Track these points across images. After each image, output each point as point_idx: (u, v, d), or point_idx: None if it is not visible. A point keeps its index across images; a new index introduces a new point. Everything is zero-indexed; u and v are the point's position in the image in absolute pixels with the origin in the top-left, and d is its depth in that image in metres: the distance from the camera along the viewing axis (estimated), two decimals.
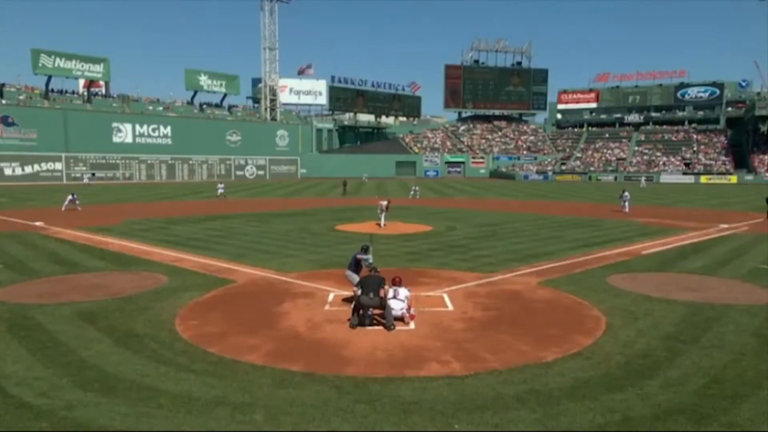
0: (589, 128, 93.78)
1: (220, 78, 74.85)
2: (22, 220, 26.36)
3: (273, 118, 78.88)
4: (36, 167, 57.27)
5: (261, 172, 74.75)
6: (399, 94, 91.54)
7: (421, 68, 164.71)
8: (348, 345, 8.91)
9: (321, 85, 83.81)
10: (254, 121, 77.77)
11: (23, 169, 56.44)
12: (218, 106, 77.25)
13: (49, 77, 62.25)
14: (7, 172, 55.57)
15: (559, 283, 13.29)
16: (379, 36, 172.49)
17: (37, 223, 24.85)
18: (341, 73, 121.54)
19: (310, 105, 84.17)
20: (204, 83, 73.64)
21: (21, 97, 60.22)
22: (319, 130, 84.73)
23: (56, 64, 61.51)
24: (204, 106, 75.84)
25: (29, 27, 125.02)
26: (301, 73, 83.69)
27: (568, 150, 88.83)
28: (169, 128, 67.57)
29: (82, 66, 63.56)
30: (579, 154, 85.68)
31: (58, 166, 58.82)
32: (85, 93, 66.48)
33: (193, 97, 74.88)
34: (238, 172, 72.76)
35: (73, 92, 67.24)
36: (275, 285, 13.18)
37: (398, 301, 9.99)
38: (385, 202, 24.19)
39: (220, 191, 43.46)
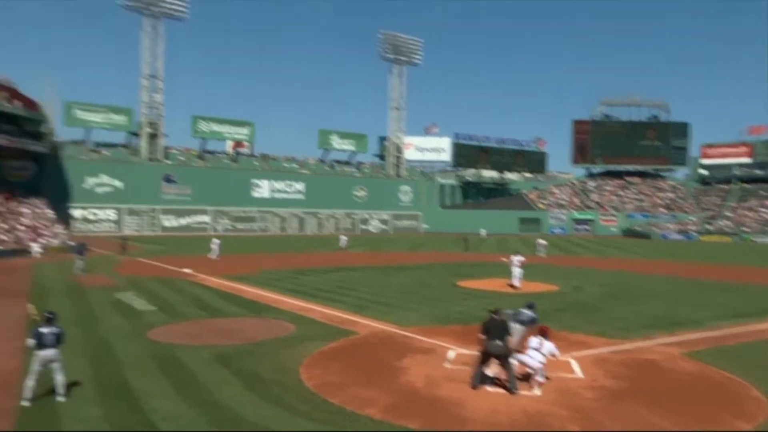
0: (741, 185, 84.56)
1: (350, 137, 78.33)
2: (174, 266, 28.79)
3: (398, 175, 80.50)
4: (188, 219, 63.29)
5: (384, 227, 75.86)
6: (523, 150, 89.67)
7: (547, 123, 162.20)
8: (467, 405, 8.60)
9: (445, 143, 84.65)
10: (380, 177, 79.79)
11: (178, 221, 62.80)
12: (347, 163, 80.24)
13: (205, 140, 69.39)
14: (166, 223, 62.05)
15: (706, 356, 11.83)
16: (504, 93, 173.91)
17: (186, 270, 27.05)
18: (465, 129, 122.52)
19: (433, 161, 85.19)
20: (335, 142, 77.28)
21: (181, 158, 67.39)
22: (442, 186, 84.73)
23: (210, 129, 68.70)
24: (334, 164, 79.17)
25: (192, 97, 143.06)
26: (427, 132, 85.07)
27: (715, 208, 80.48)
28: (301, 184, 71.44)
29: (231, 129, 70.19)
30: (729, 213, 77.12)
31: (206, 218, 64.40)
32: (233, 153, 72.79)
33: (324, 155, 78.50)
34: (363, 226, 74.40)
35: (223, 152, 73.52)
36: (395, 339, 13.17)
37: (540, 354, 9.39)
38: (519, 258, 22.37)
39: (342, 243, 44.62)
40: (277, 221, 68.73)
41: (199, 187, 63.66)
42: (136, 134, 63.75)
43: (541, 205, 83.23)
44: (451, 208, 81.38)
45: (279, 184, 70.06)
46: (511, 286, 22.14)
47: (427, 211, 78.78)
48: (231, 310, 16.94)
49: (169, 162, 64.51)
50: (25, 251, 35.82)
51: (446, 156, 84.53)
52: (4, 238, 37.31)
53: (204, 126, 67.59)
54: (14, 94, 49.27)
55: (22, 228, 40.97)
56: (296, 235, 66.91)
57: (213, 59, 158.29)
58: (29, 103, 50.53)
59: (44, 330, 8.69)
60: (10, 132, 46.82)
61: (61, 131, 59.75)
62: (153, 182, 61.55)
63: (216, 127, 68.52)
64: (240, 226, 65.63)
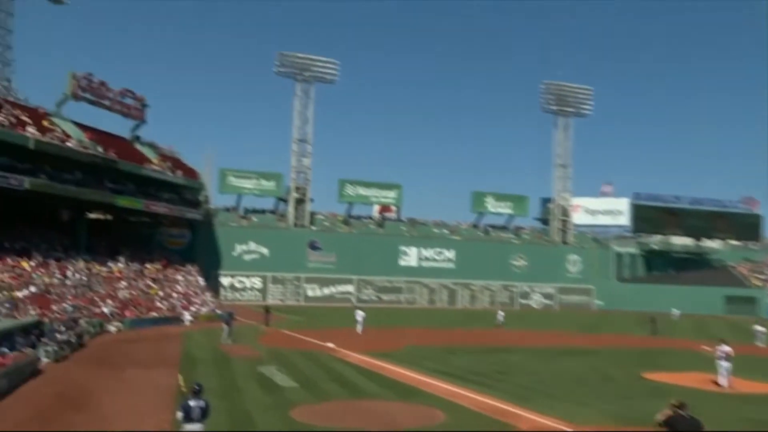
0: None
1: (507, 199, 77.92)
2: (317, 339, 30.15)
3: (564, 242, 78.16)
4: (332, 289, 66.41)
5: (548, 302, 73.47)
6: (727, 212, 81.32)
7: (759, 179, 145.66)
8: None
9: (622, 204, 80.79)
10: (542, 244, 78.03)
11: (322, 291, 66.12)
12: (504, 228, 79.51)
13: (351, 204, 73.14)
14: (309, 292, 65.58)
15: None
16: (695, 143, 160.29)
17: (329, 344, 28.16)
18: (646, 188, 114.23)
19: (608, 226, 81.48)
20: (490, 205, 77.19)
21: (326, 223, 71.52)
22: (620, 255, 79.99)
23: (357, 192, 72.60)
24: (489, 229, 78.95)
25: (338, 161, 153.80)
26: (600, 192, 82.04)
27: None
28: (452, 252, 71.86)
29: (378, 192, 73.55)
30: None
31: (350, 288, 67.02)
32: (379, 218, 75.74)
33: (477, 220, 78.55)
34: (522, 300, 72.67)
35: (369, 217, 76.62)
36: None
37: None
38: (726, 348, 20.17)
39: (499, 320, 44.14)
40: (425, 292, 69.44)
41: (344, 255, 66.79)
42: (284, 200, 69.16)
43: (755, 281, 74.13)
44: (632, 282, 76.81)
45: (428, 252, 71.16)
46: (716, 383, 20.06)
47: (601, 285, 75.08)
48: (374, 390, 17.35)
49: (314, 228, 68.71)
50: (177, 319, 39.16)
51: (624, 219, 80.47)
52: (161, 305, 40.67)
53: (350, 190, 71.54)
54: (177, 163, 55.44)
55: (176, 295, 44.36)
56: (446, 308, 66.91)
57: (359, 120, 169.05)
58: (189, 172, 56.45)
59: (192, 403, 9.54)
60: (171, 200, 52.21)
61: (215, 198, 66.88)
62: (298, 249, 65.71)
63: (362, 191, 72.30)
64: (385, 296, 67.37)
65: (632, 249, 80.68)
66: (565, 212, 78.68)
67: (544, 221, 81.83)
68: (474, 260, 70.93)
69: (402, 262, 70.14)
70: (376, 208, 76.80)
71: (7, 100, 41.52)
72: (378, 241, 69.90)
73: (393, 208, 75.61)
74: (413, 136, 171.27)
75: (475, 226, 78.31)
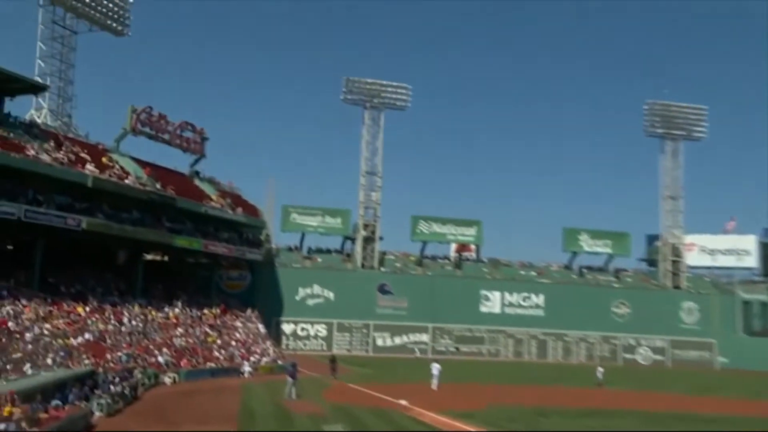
0: None
1: (605, 237, 76.01)
2: (388, 395, 30.18)
3: (676, 286, 75.15)
4: (404, 338, 65.87)
5: (659, 357, 70.56)
6: None
7: None
8: None
9: (748, 242, 77.00)
10: (649, 288, 75.42)
11: (393, 340, 65.77)
12: (602, 270, 77.63)
13: (424, 243, 72.96)
14: (379, 342, 65.21)
15: None
16: None
17: (402, 402, 28.05)
18: None
19: (731, 269, 77.89)
20: (585, 244, 75.52)
21: (398, 264, 71.60)
22: (747, 303, 75.36)
23: (431, 230, 72.30)
24: (584, 271, 77.22)
25: (410, 195, 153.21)
26: (723, 229, 79.00)
27: None
28: (541, 297, 70.34)
29: (455, 230, 73.12)
30: None
31: (424, 337, 66.19)
32: (456, 258, 75.33)
33: (571, 260, 76.97)
34: (627, 355, 70.07)
35: (445, 257, 76.35)
36: None
37: None
38: None
39: (599, 376, 43.23)
40: (511, 343, 68.28)
41: (418, 299, 66.46)
42: (351, 238, 70.06)
43: None
44: (763, 336, 72.19)
45: (513, 297, 70.10)
46: None
47: (725, 339, 71.24)
48: None
49: (384, 269, 69.06)
50: (236, 370, 39.85)
51: (751, 261, 76.83)
52: (218, 355, 41.46)
53: (424, 227, 71.48)
54: (237, 200, 56.68)
55: (235, 344, 45.01)
56: (534, 362, 65.74)
57: (434, 150, 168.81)
58: (250, 209, 57.60)
59: None
60: (231, 240, 53.09)
61: (276, 236, 68.58)
62: (367, 293, 65.82)
63: (438, 228, 72.04)
64: (465, 347, 66.74)
65: (763, 296, 76.27)
66: (676, 252, 76.00)
67: (651, 262, 79.43)
68: (567, 307, 69.21)
69: (483, 309, 69.31)
70: (454, 247, 76.70)
71: (67, 137, 43.58)
72: (456, 285, 69.35)
73: (472, 247, 75.47)
74: (495, 167, 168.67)
75: (567, 267, 76.74)
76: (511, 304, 70.03)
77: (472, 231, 73.66)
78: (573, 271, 76.44)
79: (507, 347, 68.12)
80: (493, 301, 69.98)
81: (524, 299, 70.46)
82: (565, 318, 68.94)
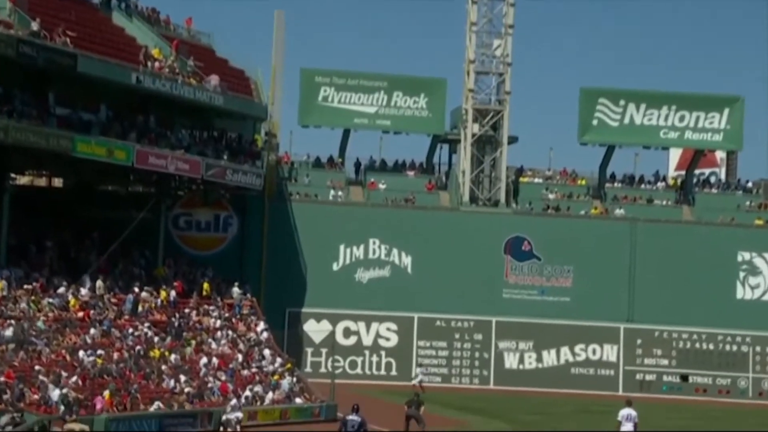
0: None
1: None
2: None
3: None
4: (565, 353, 52.72)
5: None
6: None
7: None
8: None
9: None
10: None
11: (538, 356, 52.63)
12: None
13: (609, 150, 57.37)
14: (509, 361, 52.09)
15: None
16: None
17: None
18: None
19: None
20: None
21: (550, 196, 57.83)
22: None
23: (626, 121, 56.44)
24: None
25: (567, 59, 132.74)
26: None
27: None
28: None
29: (671, 118, 56.77)
30: None
31: (611, 352, 52.99)
32: (679, 180, 61.28)
33: None
34: None
35: (653, 179, 61.59)
36: None
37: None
38: None
39: None
40: None
41: (595, 273, 53.04)
42: (447, 141, 58.74)
43: None
44: None
45: None
46: None
47: None
48: None
49: (519, 209, 55.96)
50: (212, 416, 35.74)
51: None
52: (173, 386, 36.84)
53: (608, 111, 56.43)
54: (208, 60, 49.31)
55: (207, 363, 40.99)
56: None
57: None
58: (236, 81, 50.45)
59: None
60: (197, 145, 47.58)
61: (291, 141, 59.85)
62: (483, 257, 53.31)
63: (639, 116, 56.63)
64: (698, 374, 52.63)
65: None
66: None
67: None
68: None
69: (744, 292, 54.26)
70: (676, 159, 67.69)
71: None
72: (682, 239, 53.62)
73: (717, 156, 66.43)
74: None
75: None
76: None
77: (718, 119, 55.87)
78: None
79: None
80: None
81: None
82: None
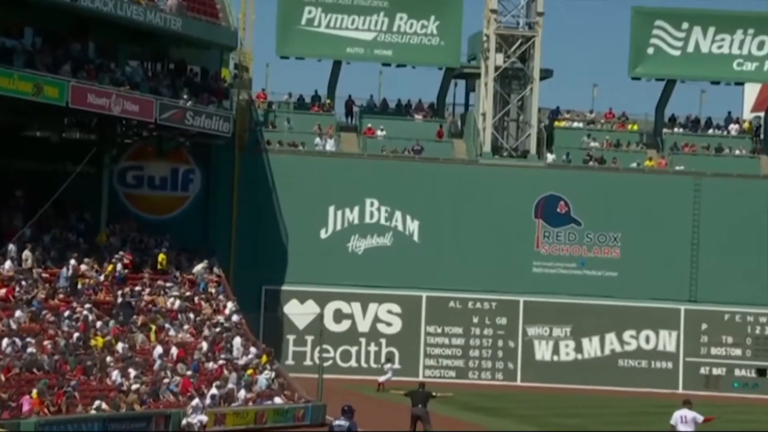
0: None
1: None
2: None
3: None
4: (611, 340, 51.41)
5: None
6: None
7: None
8: None
9: None
10: None
11: (578, 345, 50.94)
12: None
13: (669, 85, 55.24)
14: (540, 351, 50.75)
15: None
16: None
17: None
18: None
19: None
20: None
21: (592, 144, 55.77)
22: None
23: (701, 50, 53.83)
24: None
25: None
26: None
27: None
28: None
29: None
30: None
31: (670, 340, 51.60)
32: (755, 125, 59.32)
33: None
34: None
35: (727, 122, 59.10)
36: None
37: None
38: None
39: None
40: None
41: (647, 240, 51.10)
42: (464, 76, 56.53)
43: None
44: None
45: None
46: None
47: None
48: None
49: (553, 159, 54.57)
50: (169, 420, 34.03)
51: None
52: (122, 382, 36.22)
53: (668, 34, 53.64)
54: None
55: (163, 354, 40.31)
56: None
57: None
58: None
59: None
60: (147, 81, 46.15)
61: (268, 77, 58.24)
62: (507, 221, 51.46)
63: (714, 45, 54.43)
64: None
65: None
66: None
67: None
68: None
69: None
70: (753, 98, 65.94)
71: None
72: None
73: None
74: None
75: None
76: None
77: None
78: None
79: None
80: None
81: None
82: None
